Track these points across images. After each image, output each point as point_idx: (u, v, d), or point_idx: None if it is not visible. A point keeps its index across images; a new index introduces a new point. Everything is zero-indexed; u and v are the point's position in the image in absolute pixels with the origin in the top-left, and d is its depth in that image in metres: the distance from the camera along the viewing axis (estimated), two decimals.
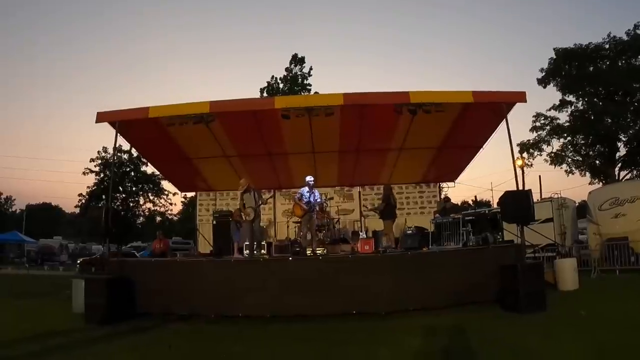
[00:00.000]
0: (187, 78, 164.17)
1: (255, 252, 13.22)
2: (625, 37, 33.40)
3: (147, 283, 11.35)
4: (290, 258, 12.28)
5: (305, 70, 37.18)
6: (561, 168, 37.41)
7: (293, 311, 10.52)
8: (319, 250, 12.99)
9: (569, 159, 37.06)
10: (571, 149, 36.95)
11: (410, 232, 15.90)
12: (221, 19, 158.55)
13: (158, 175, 45.92)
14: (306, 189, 13.44)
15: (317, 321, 10.00)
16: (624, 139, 34.27)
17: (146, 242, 46.89)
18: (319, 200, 13.78)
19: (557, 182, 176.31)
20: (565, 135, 36.40)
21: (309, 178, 13.57)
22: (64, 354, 7.73)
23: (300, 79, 36.84)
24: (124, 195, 49.73)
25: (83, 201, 48.86)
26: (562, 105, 36.50)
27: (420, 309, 10.46)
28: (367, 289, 10.66)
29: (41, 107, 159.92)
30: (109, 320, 10.30)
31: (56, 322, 10.63)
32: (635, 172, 35.33)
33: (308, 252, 12.75)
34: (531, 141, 37.35)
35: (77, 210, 52.41)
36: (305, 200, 13.35)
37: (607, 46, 34.20)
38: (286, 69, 37.07)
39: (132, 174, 50.14)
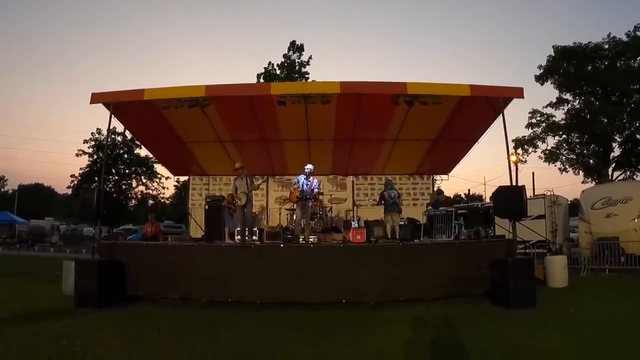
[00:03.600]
0: (184, 61, 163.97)
1: (246, 238, 13.19)
2: (624, 38, 33.43)
3: (139, 266, 11.35)
4: (282, 245, 12.25)
5: (304, 58, 36.97)
6: (555, 165, 37.58)
7: (284, 298, 10.54)
8: (311, 238, 12.97)
9: (564, 157, 37.14)
10: (566, 147, 37.01)
11: (403, 223, 15.92)
12: (220, 4, 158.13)
13: (151, 158, 45.69)
14: (303, 176, 13.41)
15: (307, 309, 10.02)
16: (618, 139, 34.37)
17: (138, 225, 46.83)
18: (315, 189, 13.73)
19: (550, 179, 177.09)
20: (561, 133, 36.45)
21: (308, 166, 13.53)
22: (52, 336, 7.67)
23: (298, 67, 36.58)
24: (116, 178, 49.51)
25: (75, 182, 48.61)
26: (559, 103, 36.53)
27: (410, 300, 10.48)
28: (358, 279, 10.68)
29: (37, 87, 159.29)
30: (99, 302, 10.28)
31: (46, 304, 10.60)
32: (628, 172, 35.43)
33: (300, 239, 12.73)
34: (526, 137, 37.36)
35: (69, 192, 52.21)
36: (300, 187, 13.32)
37: (606, 46, 34.21)
38: (284, 56, 36.73)
39: (126, 156, 49.94)
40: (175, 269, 11.15)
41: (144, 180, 52.82)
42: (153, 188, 53.79)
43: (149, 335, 7.87)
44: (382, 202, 15.20)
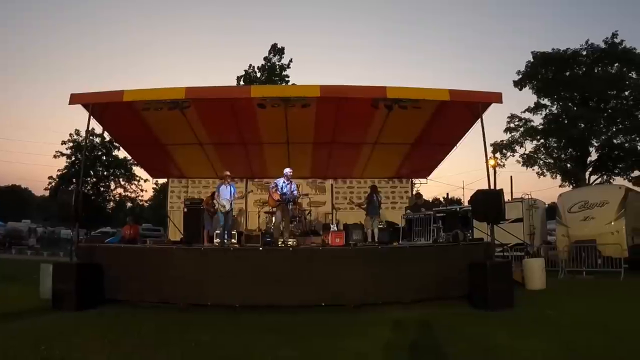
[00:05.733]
0: (165, 64, 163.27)
1: (225, 241, 13.17)
2: (602, 45, 33.71)
3: (117, 269, 11.26)
4: (261, 248, 12.25)
5: (285, 61, 36.94)
6: (533, 169, 37.68)
7: (263, 301, 10.56)
8: (290, 241, 12.95)
9: (541, 161, 37.31)
10: (543, 152, 37.16)
11: (382, 226, 15.98)
12: (202, 6, 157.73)
13: (130, 160, 45.38)
14: (282, 179, 13.39)
15: (286, 312, 10.04)
16: (595, 144, 34.55)
17: (116, 227, 46.47)
18: (295, 193, 13.74)
19: (528, 183, 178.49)
20: (539, 137, 36.56)
21: (287, 170, 13.52)
22: (30, 340, 7.59)
23: (278, 70, 36.55)
24: (94, 180, 49.09)
25: (53, 184, 48.15)
26: (537, 108, 36.68)
27: (389, 303, 10.54)
28: (337, 282, 10.72)
29: (16, 88, 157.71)
30: (77, 306, 10.22)
31: (23, 307, 10.46)
32: (605, 176, 35.70)
33: (279, 242, 12.71)
34: (505, 142, 37.52)
35: (47, 194, 51.67)
36: (279, 191, 13.30)
37: (584, 53, 34.41)
38: (265, 58, 36.59)
39: (104, 158, 49.58)
40: (154, 272, 11.10)
41: (122, 183, 52.47)
42: (131, 190, 53.46)
43: (128, 339, 7.84)
44: (368, 204, 15.34)
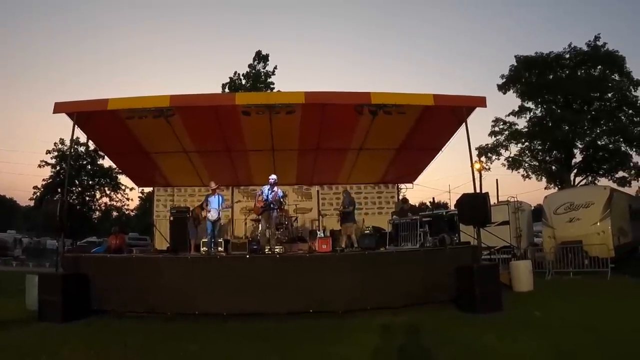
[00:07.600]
0: (151, 72, 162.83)
1: (212, 249, 13.12)
2: (585, 48, 33.95)
3: (103, 279, 11.19)
4: (248, 256, 12.19)
5: (270, 68, 36.88)
6: (518, 172, 37.79)
7: (250, 309, 10.53)
8: (277, 248, 12.92)
9: (526, 164, 37.40)
10: (528, 154, 37.26)
11: (368, 232, 15.95)
12: (187, 14, 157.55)
13: (115, 169, 45.09)
14: (267, 187, 13.36)
15: (274, 319, 10.00)
16: (580, 145, 34.72)
17: (102, 237, 46.12)
18: (280, 198, 13.69)
19: (514, 185, 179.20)
20: (523, 140, 36.69)
21: (272, 177, 13.49)
22: (16, 352, 7.53)
23: (263, 77, 36.50)
24: (79, 189, 48.69)
25: (38, 194, 47.75)
26: (521, 111, 36.79)
27: (377, 308, 10.53)
28: (325, 288, 10.73)
29: (3, 98, 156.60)
30: (63, 317, 10.14)
31: (8, 319, 10.35)
32: (590, 178, 35.87)
33: (266, 250, 12.66)
34: (490, 145, 37.61)
35: (32, 204, 51.24)
36: (264, 198, 13.26)
37: (567, 56, 34.61)
38: (249, 66, 36.51)
39: (89, 167, 49.19)
40: (141, 282, 11.04)
41: (107, 192, 52.06)
42: (117, 199, 53.04)
43: (115, 350, 7.79)
44: (351, 209, 15.28)
